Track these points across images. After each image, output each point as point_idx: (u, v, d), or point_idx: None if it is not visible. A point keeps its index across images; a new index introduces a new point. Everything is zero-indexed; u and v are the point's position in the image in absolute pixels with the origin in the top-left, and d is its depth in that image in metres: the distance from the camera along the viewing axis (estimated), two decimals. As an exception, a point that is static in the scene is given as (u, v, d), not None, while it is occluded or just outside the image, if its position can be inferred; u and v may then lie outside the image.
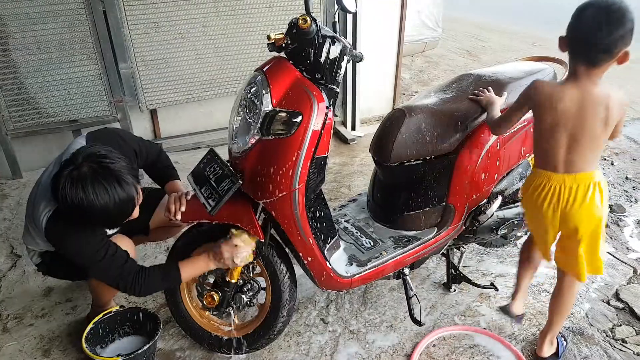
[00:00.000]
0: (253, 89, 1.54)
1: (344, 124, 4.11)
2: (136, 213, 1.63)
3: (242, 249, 1.62)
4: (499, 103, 1.84)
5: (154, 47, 3.29)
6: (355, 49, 3.71)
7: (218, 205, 1.54)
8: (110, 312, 1.86)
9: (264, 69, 1.54)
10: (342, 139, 3.94)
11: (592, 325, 2.06)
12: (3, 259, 2.49)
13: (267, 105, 1.48)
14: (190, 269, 1.67)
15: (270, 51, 1.52)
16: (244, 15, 3.42)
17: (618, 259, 2.48)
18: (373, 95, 4.19)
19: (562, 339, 1.94)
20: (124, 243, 1.74)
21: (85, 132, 1.75)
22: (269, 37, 1.47)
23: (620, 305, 2.18)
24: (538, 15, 8.77)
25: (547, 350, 1.87)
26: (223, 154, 1.70)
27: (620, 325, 2.07)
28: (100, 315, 1.84)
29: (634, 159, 3.60)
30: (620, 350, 1.94)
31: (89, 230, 1.58)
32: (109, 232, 1.77)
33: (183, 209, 1.65)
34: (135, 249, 1.84)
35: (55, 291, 2.27)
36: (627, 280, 2.34)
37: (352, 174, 3.38)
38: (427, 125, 1.84)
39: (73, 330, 2.05)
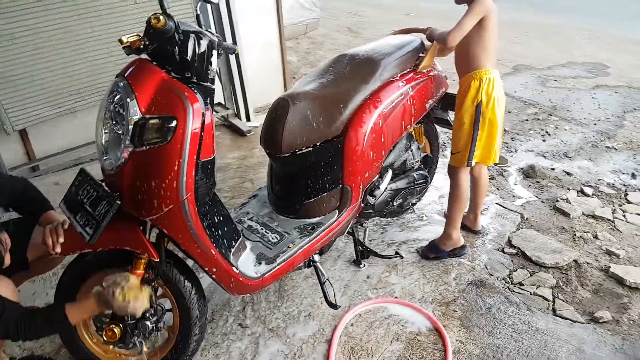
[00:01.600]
0: (117, 98, 1.41)
1: (238, 115, 4.01)
2: (7, 261, 1.44)
3: (133, 301, 1.46)
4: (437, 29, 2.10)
5: (12, 62, 2.92)
6: (235, 40, 3.61)
7: (97, 232, 1.39)
8: None
9: (126, 74, 1.41)
10: (238, 132, 3.84)
11: (491, 275, 2.22)
12: None
13: (135, 113, 1.37)
14: (78, 313, 1.51)
15: (127, 55, 1.39)
16: (109, 15, 3.16)
17: (506, 207, 2.69)
18: (263, 82, 4.13)
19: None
20: (2, 286, 1.54)
21: None
22: (121, 41, 1.34)
23: (514, 251, 2.37)
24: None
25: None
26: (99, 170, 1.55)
27: (516, 269, 2.26)
28: None
29: (508, 112, 3.92)
30: (519, 293, 2.12)
31: None
32: None
33: (61, 240, 1.49)
34: (16, 290, 1.64)
35: None
36: (517, 226, 2.55)
37: (253, 167, 3.32)
38: (312, 112, 1.82)
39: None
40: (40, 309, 1.52)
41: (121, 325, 1.60)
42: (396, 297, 2.11)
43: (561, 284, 2.15)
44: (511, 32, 5.92)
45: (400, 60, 2.06)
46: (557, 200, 2.73)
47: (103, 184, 1.48)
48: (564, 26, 6.24)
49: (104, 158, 1.45)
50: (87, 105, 3.30)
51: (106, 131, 1.44)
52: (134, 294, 1.45)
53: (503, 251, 2.37)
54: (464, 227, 2.44)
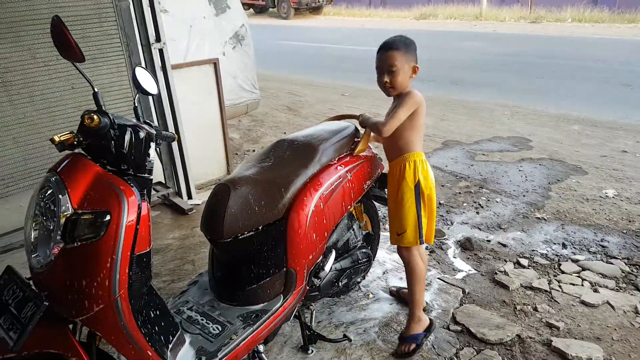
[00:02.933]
0: (48, 193, 1.36)
1: (179, 194, 3.94)
2: None
3: None
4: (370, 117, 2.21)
5: None
6: (177, 122, 3.65)
7: (22, 337, 1.28)
8: None
9: (58, 170, 1.37)
10: (179, 210, 3.76)
11: (439, 355, 2.20)
12: None
13: (67, 209, 1.32)
14: None
15: (60, 151, 1.37)
16: (43, 100, 3.11)
17: (448, 282, 2.74)
18: (205, 160, 4.16)
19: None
20: None
21: None
22: (52, 141, 1.32)
23: (459, 328, 2.38)
24: (338, 68, 9.80)
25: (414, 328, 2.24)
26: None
27: (462, 348, 2.25)
28: None
29: (442, 185, 4.12)
30: (466, 373, 2.11)
31: None
32: None
33: None
34: None
35: None
36: (459, 301, 2.59)
37: (195, 246, 3.22)
38: (253, 196, 1.84)
39: None
40: None
41: None
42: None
43: (506, 360, 2.17)
44: (438, 110, 6.37)
45: (337, 145, 2.15)
46: (496, 273, 2.82)
47: (31, 282, 1.38)
48: (486, 102, 6.79)
49: (33, 255, 1.37)
50: (19, 189, 3.16)
51: (36, 228, 1.38)
52: None
53: (448, 328, 2.38)
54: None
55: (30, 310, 1.31)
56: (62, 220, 1.31)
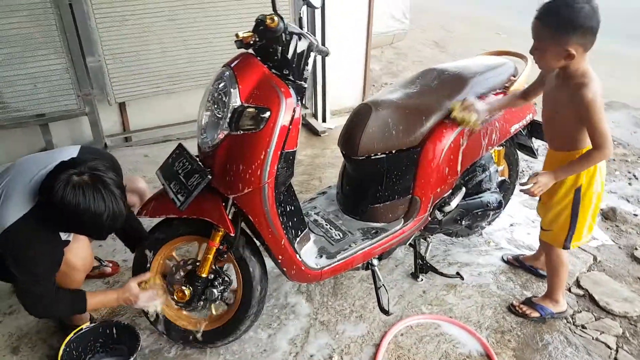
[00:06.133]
0: (221, 85, 1.55)
1: (315, 116, 4.13)
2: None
3: (150, 298, 1.77)
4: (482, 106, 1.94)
5: (122, 41, 3.23)
6: (324, 43, 3.73)
7: (187, 200, 1.55)
8: (81, 329, 1.78)
9: (232, 65, 1.55)
10: (313, 131, 3.96)
11: (552, 310, 2.15)
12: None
13: (236, 101, 1.50)
14: (98, 303, 1.73)
15: (238, 48, 1.54)
16: (213, 8, 3.40)
17: (579, 247, 2.58)
18: (343, 87, 4.23)
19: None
20: (83, 246, 1.73)
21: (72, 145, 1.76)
22: (237, 36, 1.48)
23: (581, 292, 2.28)
24: (503, 4, 8.90)
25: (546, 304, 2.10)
26: (192, 146, 1.71)
27: (580, 311, 2.17)
28: (71, 335, 1.76)
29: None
30: (580, 336, 2.04)
31: (51, 247, 1.59)
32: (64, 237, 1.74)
33: None
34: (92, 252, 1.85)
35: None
36: (587, 267, 2.45)
37: (323, 166, 3.41)
38: (392, 120, 1.88)
39: (42, 327, 2.02)
40: (64, 293, 1.69)
41: (191, 288, 1.75)
42: (451, 317, 2.11)
43: (628, 335, 2.05)
44: (608, 66, 5.61)
45: (490, 81, 2.06)
46: (636, 249, 2.59)
47: (198, 159, 1.63)
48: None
49: (202, 137, 1.60)
50: (182, 88, 3.56)
51: (207, 113, 1.59)
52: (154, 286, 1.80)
53: (569, 290, 2.29)
54: (532, 271, 2.37)
55: (196, 180, 1.56)
56: (230, 111, 1.50)
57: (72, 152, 1.69)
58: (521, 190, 1.80)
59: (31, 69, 3.03)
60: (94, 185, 1.46)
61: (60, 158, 1.58)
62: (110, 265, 2.33)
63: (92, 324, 1.81)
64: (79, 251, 1.75)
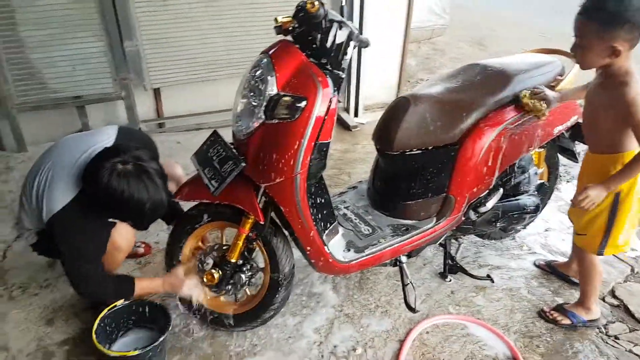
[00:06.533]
0: (258, 72, 1.54)
1: (347, 110, 4.09)
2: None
3: (194, 287, 1.81)
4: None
5: (160, 26, 3.26)
6: (361, 34, 3.67)
7: (221, 186, 1.55)
8: (115, 306, 1.81)
9: (270, 53, 1.53)
10: (345, 126, 3.92)
11: (585, 319, 2.08)
12: (8, 230, 2.51)
13: (272, 89, 1.49)
14: (145, 288, 1.77)
15: (277, 34, 1.52)
16: (251, -6, 3.39)
17: (617, 256, 2.49)
18: (377, 81, 4.16)
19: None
20: (127, 226, 1.77)
21: (111, 125, 1.80)
22: (276, 20, 1.46)
23: (616, 302, 2.19)
24: (547, 6, 8.62)
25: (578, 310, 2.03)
26: (226, 135, 1.71)
27: (614, 322, 2.09)
28: (105, 310, 1.79)
29: None
30: (612, 346, 1.97)
31: (98, 231, 1.63)
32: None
33: None
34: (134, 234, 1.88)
35: (58, 263, 2.26)
36: (624, 278, 2.36)
37: (353, 161, 3.38)
38: (431, 115, 1.83)
39: (76, 302, 2.07)
40: (112, 277, 1.74)
41: (220, 272, 1.77)
42: (478, 319, 2.06)
43: (663, 349, 1.97)
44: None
45: (535, 79, 1.98)
46: (678, 261, 2.48)
47: (232, 146, 1.62)
48: None
49: (237, 125, 1.59)
50: (218, 76, 3.58)
51: (243, 101, 1.58)
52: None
53: (604, 300, 2.20)
54: (564, 278, 2.29)
55: (230, 167, 1.56)
56: (266, 99, 1.49)
57: (110, 132, 1.72)
58: (574, 206, 1.74)
59: (70, 51, 3.08)
60: (138, 175, 1.50)
61: (101, 140, 1.61)
62: (143, 245, 2.37)
63: (126, 302, 1.84)
64: (124, 232, 1.78)
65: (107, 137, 1.66)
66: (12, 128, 3.20)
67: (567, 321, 2.03)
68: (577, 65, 1.96)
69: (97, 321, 1.75)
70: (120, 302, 1.82)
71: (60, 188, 1.57)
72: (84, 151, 1.61)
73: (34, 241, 1.83)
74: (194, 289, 1.82)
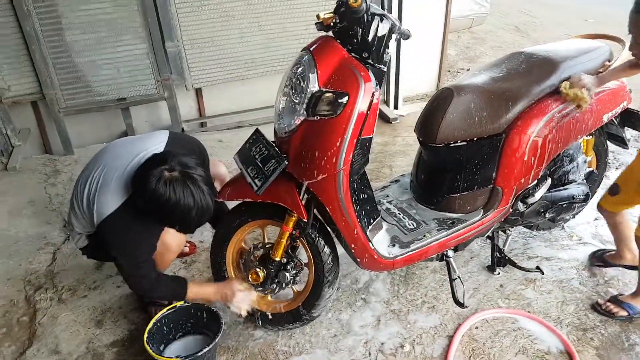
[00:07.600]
0: (299, 69, 1.54)
1: (387, 102, 4.04)
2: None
3: (245, 300, 1.83)
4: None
5: (200, 26, 3.32)
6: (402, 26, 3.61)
7: (264, 185, 1.57)
8: (175, 306, 1.82)
9: (311, 49, 1.53)
10: (384, 118, 3.88)
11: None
12: (57, 232, 2.59)
13: (314, 85, 1.49)
14: (197, 293, 1.80)
15: (318, 30, 1.52)
16: (288, -7, 3.40)
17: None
18: (417, 73, 4.09)
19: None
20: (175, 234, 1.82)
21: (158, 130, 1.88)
22: (318, 17, 1.46)
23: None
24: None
25: None
26: (267, 132, 1.72)
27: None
28: (164, 310, 1.81)
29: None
30: (672, 340, 1.88)
31: (148, 233, 1.67)
32: None
33: None
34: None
35: (106, 265, 2.35)
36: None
37: (393, 154, 3.34)
38: (475, 106, 1.79)
39: (124, 303, 2.13)
40: (167, 277, 1.77)
41: (265, 271, 1.79)
42: (529, 312, 2.01)
43: None
44: None
45: (583, 66, 1.89)
46: None
47: (274, 144, 1.63)
48: None
49: (279, 122, 1.60)
50: (257, 74, 3.61)
51: (284, 98, 1.59)
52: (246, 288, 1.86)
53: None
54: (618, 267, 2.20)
55: (273, 166, 1.57)
56: (308, 96, 1.49)
57: (162, 138, 1.75)
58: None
59: (114, 54, 3.19)
60: (184, 181, 1.52)
61: (151, 145, 1.65)
62: (188, 245, 2.42)
63: (186, 304, 1.85)
64: (175, 233, 1.80)
65: (157, 143, 1.70)
66: (59, 131, 3.33)
67: (623, 313, 1.96)
68: (626, 50, 1.88)
69: (153, 320, 1.78)
70: (179, 304, 1.83)
71: (110, 192, 1.62)
72: (135, 156, 1.65)
73: (84, 245, 1.87)
74: (245, 303, 1.83)
